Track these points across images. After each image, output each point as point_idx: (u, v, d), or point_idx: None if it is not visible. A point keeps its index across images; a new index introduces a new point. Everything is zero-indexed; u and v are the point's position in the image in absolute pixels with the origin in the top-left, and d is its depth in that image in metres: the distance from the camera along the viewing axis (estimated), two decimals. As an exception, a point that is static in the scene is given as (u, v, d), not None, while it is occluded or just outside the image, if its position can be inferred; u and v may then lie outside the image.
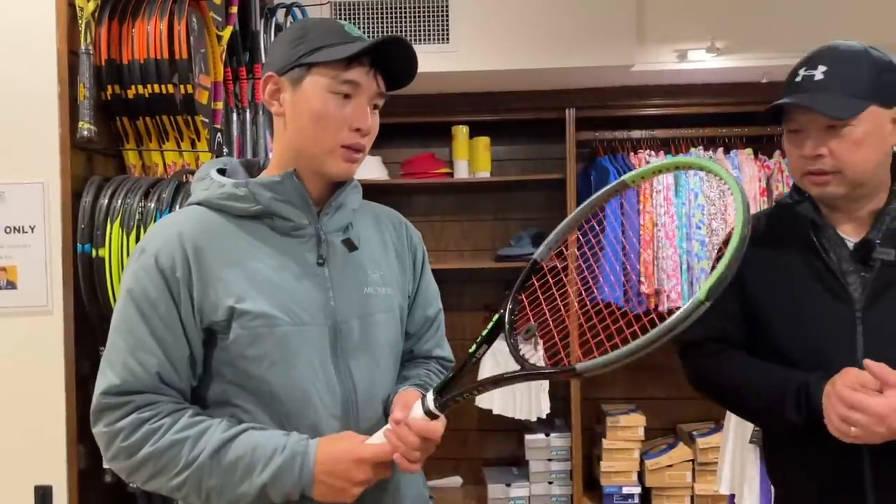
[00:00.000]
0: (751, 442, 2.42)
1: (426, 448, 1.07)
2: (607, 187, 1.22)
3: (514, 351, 1.11)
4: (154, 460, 1.05)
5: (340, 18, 3.19)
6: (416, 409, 1.07)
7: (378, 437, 1.08)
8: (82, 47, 1.63)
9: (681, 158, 1.16)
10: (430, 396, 1.08)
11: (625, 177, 1.19)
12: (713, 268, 0.98)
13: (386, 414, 1.16)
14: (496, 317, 1.16)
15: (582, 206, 1.23)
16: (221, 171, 1.21)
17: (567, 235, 1.24)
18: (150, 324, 1.07)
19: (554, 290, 1.22)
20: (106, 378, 1.07)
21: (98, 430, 1.07)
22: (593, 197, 1.22)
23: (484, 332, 1.14)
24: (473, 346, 1.13)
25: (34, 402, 1.60)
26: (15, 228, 1.61)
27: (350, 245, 1.19)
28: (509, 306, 1.16)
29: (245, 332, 1.08)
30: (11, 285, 1.61)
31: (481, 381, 1.09)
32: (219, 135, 1.84)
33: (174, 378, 1.09)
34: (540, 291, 1.21)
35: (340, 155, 1.13)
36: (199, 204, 1.17)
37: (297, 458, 1.04)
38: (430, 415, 1.06)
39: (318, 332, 1.12)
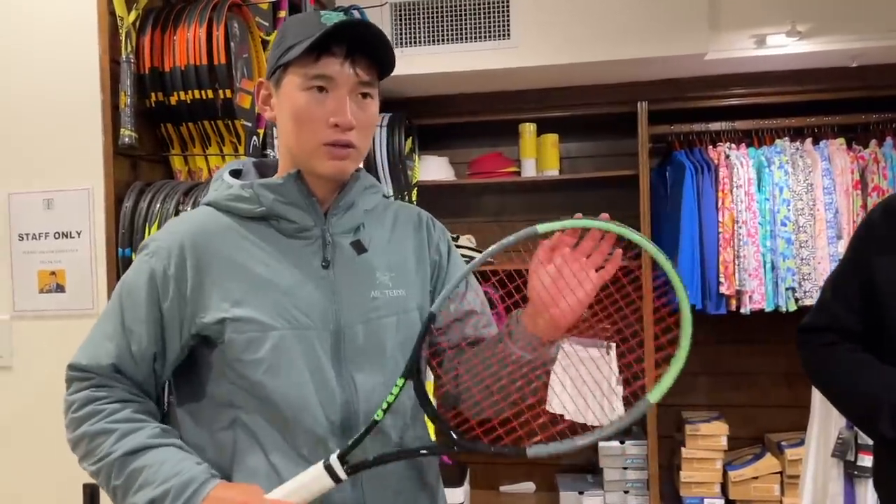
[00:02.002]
0: (833, 455, 2.22)
1: None
2: (518, 234, 0.99)
3: (443, 423, 1.05)
4: (86, 441, 1.07)
5: (400, 19, 3.19)
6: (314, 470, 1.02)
7: (285, 489, 1.02)
8: (123, 56, 1.67)
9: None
10: (333, 458, 1.02)
11: (538, 227, 0.99)
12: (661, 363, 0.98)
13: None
14: (401, 382, 1.06)
15: (487, 251, 1.01)
16: (237, 172, 1.21)
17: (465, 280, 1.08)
18: (126, 317, 1.10)
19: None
20: (79, 354, 1.13)
21: (64, 397, 1.12)
22: (502, 242, 1.01)
23: (389, 398, 1.05)
24: (379, 412, 1.05)
25: (82, 402, 1.65)
26: (63, 234, 1.67)
27: (359, 247, 1.15)
28: (419, 368, 1.06)
29: (239, 336, 1.07)
30: (60, 289, 1.67)
31: (402, 451, 1.08)
32: (254, 138, 1.85)
33: (132, 370, 1.10)
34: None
35: (325, 154, 1.10)
36: (208, 205, 1.17)
37: (189, 487, 1.01)
38: (335, 478, 1.01)
39: (319, 336, 1.09)
